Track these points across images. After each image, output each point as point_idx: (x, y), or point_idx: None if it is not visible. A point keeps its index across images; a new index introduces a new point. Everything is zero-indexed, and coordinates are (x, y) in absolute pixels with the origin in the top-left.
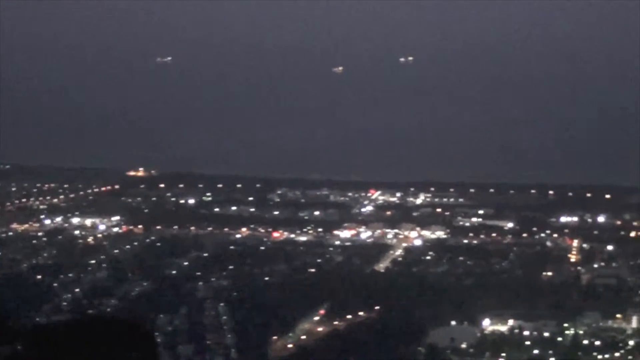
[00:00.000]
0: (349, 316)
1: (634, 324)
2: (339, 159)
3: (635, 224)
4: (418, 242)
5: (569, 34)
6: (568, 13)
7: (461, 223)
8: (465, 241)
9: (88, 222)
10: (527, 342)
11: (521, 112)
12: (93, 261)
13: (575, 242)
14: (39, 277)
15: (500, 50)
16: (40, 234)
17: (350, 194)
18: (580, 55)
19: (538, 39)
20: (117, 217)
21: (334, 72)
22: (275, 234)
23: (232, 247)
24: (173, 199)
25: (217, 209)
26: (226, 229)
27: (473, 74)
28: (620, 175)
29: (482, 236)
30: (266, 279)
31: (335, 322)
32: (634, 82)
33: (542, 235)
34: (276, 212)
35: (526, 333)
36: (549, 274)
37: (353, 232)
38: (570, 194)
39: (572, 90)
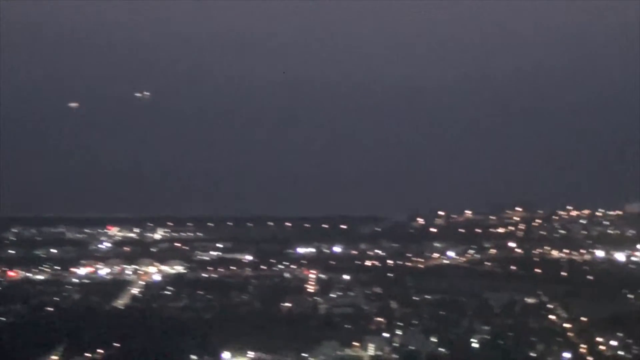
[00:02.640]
0: (88, 354)
1: (371, 351)
2: (74, 196)
3: (369, 253)
4: (157, 278)
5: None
6: None
7: (200, 257)
8: (205, 275)
9: None
10: None
11: (249, 143)
12: None
13: (312, 273)
14: None
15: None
16: None
17: (87, 230)
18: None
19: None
20: None
21: (70, 107)
22: (11, 273)
23: None
24: None
25: None
26: None
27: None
28: (355, 206)
29: (221, 269)
30: (2, 319)
31: None
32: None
33: (281, 266)
34: (11, 251)
35: None
36: (288, 305)
37: (91, 269)
38: (307, 225)
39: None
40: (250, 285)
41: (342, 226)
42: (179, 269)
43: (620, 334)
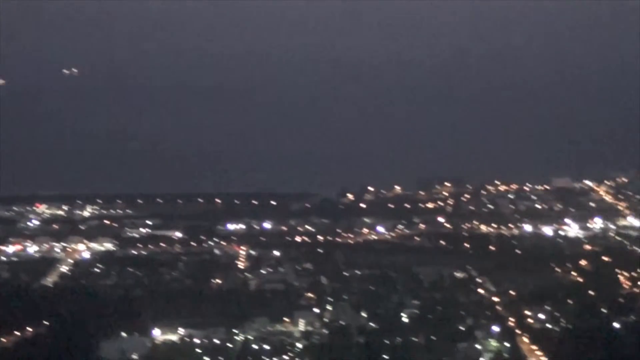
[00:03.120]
0: (17, 332)
1: (301, 327)
2: (1, 174)
3: (300, 229)
4: (86, 255)
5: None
6: None
7: (129, 234)
8: (134, 252)
9: None
10: (198, 350)
11: (178, 119)
12: None
13: (242, 249)
14: None
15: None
16: None
17: (15, 208)
18: None
19: None
20: None
21: None
22: None
23: None
24: None
25: None
26: None
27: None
28: (285, 182)
29: (150, 246)
30: None
31: (3, 339)
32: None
33: (211, 243)
34: None
35: (197, 341)
36: (218, 281)
37: (19, 247)
38: (237, 201)
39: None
40: (180, 262)
41: (272, 202)
42: (108, 246)
43: (548, 307)
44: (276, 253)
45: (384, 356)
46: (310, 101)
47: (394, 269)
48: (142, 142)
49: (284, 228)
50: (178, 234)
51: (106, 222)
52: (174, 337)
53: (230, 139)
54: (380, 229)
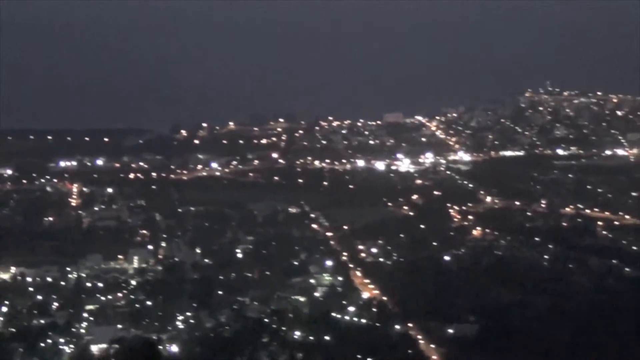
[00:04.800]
0: None
1: (135, 264)
2: None
3: (133, 165)
4: None
5: None
6: None
7: None
8: None
9: None
10: (31, 289)
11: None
12: None
13: (75, 187)
14: None
15: None
16: None
17: None
18: None
19: None
20: None
21: None
22: None
23: None
24: None
25: None
26: None
27: None
28: (121, 119)
29: None
30: None
31: None
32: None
33: (42, 180)
34: None
35: (29, 279)
36: (50, 219)
37: None
38: (69, 138)
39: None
40: (11, 200)
41: (105, 139)
42: None
43: (381, 241)
44: (109, 190)
45: (219, 292)
46: (144, 36)
47: (228, 205)
48: None
49: (117, 165)
50: (9, 171)
51: None
52: (5, 276)
53: (59, 74)
54: (214, 165)
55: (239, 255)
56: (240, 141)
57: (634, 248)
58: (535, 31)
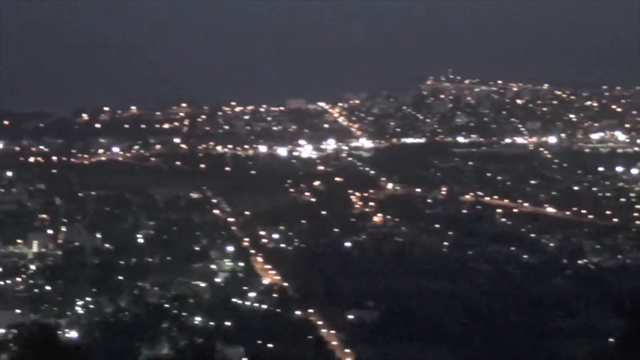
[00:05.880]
0: None
1: (35, 248)
2: None
3: (33, 149)
4: None
5: None
6: None
7: None
8: None
9: None
10: None
11: None
12: None
13: None
14: None
15: None
16: None
17: None
18: None
19: None
20: None
21: None
22: None
23: None
24: None
25: None
26: None
27: None
28: (19, 101)
29: None
30: None
31: None
32: None
33: None
34: None
35: None
36: None
37: None
38: None
39: None
40: None
41: (5, 122)
42: None
43: (282, 227)
44: (9, 174)
45: (119, 277)
46: (45, 18)
47: (129, 190)
48: None
49: (17, 148)
50: None
51: None
52: None
53: None
54: (115, 149)
55: (140, 240)
56: (143, 126)
57: (532, 235)
58: (436, 19)
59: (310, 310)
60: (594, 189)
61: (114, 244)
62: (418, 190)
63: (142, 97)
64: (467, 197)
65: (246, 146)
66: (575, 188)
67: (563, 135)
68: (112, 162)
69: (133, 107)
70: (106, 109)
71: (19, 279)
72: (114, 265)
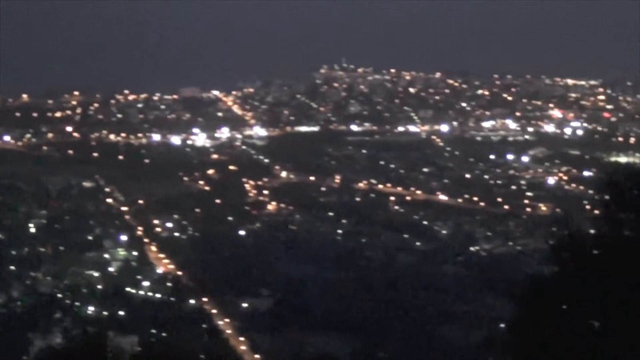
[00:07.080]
0: None
1: None
2: None
3: None
4: None
5: None
6: None
7: None
8: None
9: None
10: None
11: None
12: None
13: None
14: None
15: None
16: None
17: None
18: None
19: None
20: None
21: None
22: None
23: None
24: None
25: None
26: None
27: None
28: None
29: None
30: None
31: None
32: None
33: None
34: None
35: None
36: None
37: None
38: None
39: None
40: None
41: None
42: None
43: (176, 216)
44: None
45: (11, 267)
46: None
47: (21, 178)
48: None
49: None
50: None
51: None
52: None
53: None
54: (7, 138)
55: (32, 230)
56: (34, 114)
57: (425, 223)
58: (328, 8)
59: (205, 299)
60: (486, 176)
61: (6, 233)
62: (312, 178)
63: (33, 85)
64: (361, 185)
65: (139, 134)
66: (467, 176)
67: (455, 123)
68: (3, 151)
69: (24, 95)
70: None
71: None
72: (6, 255)
